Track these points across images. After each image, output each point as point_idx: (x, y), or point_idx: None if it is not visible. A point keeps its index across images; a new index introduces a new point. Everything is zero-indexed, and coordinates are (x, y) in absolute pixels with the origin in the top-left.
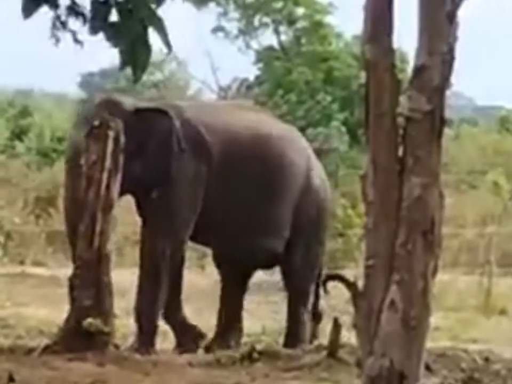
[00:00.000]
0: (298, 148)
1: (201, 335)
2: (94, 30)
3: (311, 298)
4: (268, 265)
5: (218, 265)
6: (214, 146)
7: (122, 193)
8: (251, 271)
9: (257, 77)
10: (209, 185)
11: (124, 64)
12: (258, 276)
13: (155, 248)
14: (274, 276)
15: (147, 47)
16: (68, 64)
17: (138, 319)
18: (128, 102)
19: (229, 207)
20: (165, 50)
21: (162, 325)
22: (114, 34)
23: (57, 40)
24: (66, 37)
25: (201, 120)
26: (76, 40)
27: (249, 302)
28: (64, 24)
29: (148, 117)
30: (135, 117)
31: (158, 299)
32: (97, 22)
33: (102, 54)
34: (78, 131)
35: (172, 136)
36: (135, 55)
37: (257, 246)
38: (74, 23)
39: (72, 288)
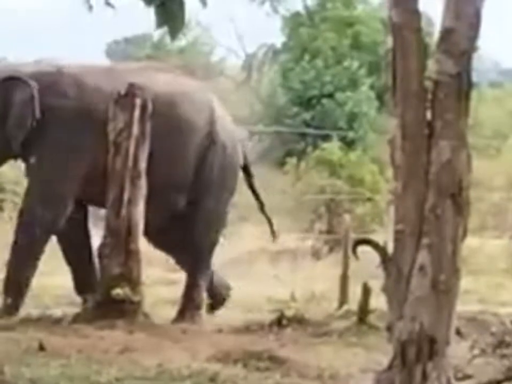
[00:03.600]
0: (200, 105)
1: None
2: None
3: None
4: (169, 223)
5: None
6: None
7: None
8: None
9: (283, 44)
10: None
11: (160, 23)
12: (288, 242)
13: None
14: (306, 242)
15: (181, 3)
16: (93, 32)
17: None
18: (4, 69)
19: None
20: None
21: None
22: None
23: (91, 7)
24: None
25: (100, 87)
26: (108, 3)
27: (279, 268)
28: None
29: (7, 86)
30: (1, 86)
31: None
32: None
33: (127, 21)
34: None
35: (28, 106)
36: (170, 12)
37: (162, 206)
38: None
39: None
